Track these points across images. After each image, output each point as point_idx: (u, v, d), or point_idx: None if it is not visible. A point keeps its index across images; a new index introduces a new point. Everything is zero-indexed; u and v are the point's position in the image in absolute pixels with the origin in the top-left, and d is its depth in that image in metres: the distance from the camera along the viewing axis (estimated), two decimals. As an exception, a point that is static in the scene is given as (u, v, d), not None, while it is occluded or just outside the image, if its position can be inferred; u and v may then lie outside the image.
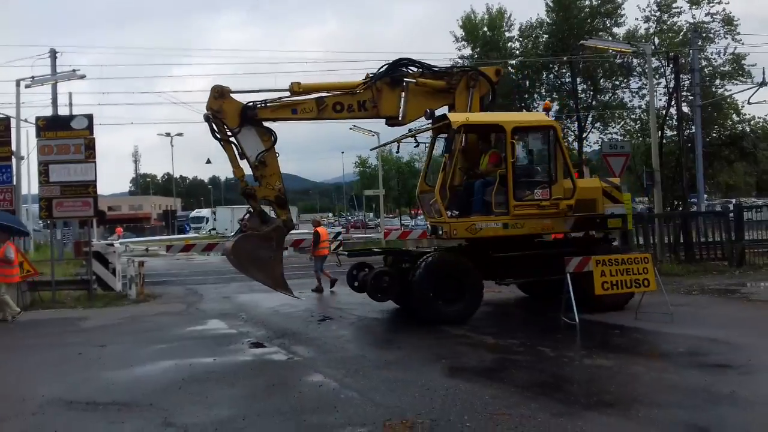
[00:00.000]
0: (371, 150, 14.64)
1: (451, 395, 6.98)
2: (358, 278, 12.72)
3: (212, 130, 11.69)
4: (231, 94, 11.56)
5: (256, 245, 11.50)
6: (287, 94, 11.80)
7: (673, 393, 6.94)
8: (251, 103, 11.60)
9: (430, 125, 12.56)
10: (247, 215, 11.91)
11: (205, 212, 75.19)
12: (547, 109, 12.10)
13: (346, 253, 14.73)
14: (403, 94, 12.20)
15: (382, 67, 12.20)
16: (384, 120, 12.44)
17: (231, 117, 11.49)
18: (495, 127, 12.08)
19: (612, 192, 12.05)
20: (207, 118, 11.60)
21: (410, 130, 12.78)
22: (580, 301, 10.96)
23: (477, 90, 12.45)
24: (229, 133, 11.64)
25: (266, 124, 11.85)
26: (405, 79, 12.20)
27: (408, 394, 7.06)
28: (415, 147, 12.36)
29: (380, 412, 6.50)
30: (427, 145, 13.87)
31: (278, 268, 11.73)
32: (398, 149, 12.47)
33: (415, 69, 12.40)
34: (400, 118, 12.31)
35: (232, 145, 11.70)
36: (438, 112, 12.32)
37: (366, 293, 12.09)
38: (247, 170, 11.91)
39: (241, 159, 11.71)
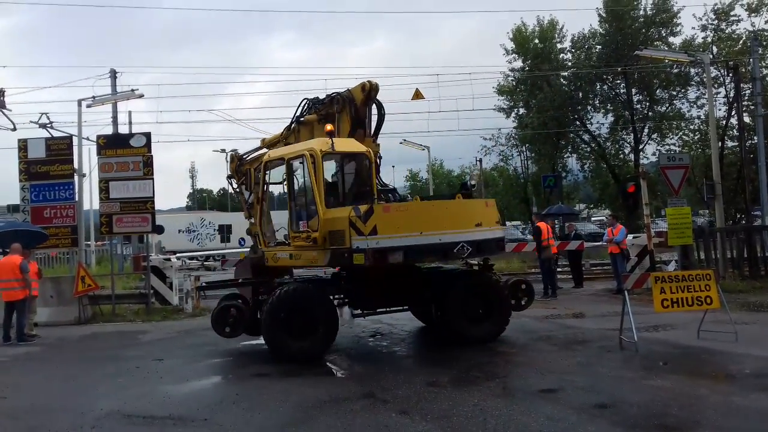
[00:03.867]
0: None
1: (505, 416, 6.84)
2: None
3: (231, 187, 14.99)
4: (241, 159, 14.09)
5: (240, 270, 13.43)
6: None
7: (739, 417, 6.63)
8: (239, 161, 14.08)
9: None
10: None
11: None
12: (329, 133, 10.83)
13: (205, 284, 14.47)
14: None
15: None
16: None
17: (237, 175, 14.17)
18: (260, 163, 12.24)
19: (356, 223, 9.75)
20: (227, 178, 14.62)
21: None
22: (446, 331, 11.11)
23: (343, 113, 11.74)
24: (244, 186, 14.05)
25: None
26: (300, 119, 12.62)
27: (460, 414, 6.95)
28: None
29: (433, 432, 6.42)
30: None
31: None
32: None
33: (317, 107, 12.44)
34: None
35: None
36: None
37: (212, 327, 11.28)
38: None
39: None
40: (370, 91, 11.31)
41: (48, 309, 15.73)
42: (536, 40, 38.69)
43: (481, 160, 47.95)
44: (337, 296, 11.19)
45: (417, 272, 11.47)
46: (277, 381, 9.06)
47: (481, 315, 10.99)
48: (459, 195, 11.24)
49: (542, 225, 17.86)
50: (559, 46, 38.52)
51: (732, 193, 25.64)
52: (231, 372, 9.86)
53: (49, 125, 21.06)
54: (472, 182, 12.01)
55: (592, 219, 53.76)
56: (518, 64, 39.12)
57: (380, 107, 11.75)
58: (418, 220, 10.01)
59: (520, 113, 40.17)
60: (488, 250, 10.88)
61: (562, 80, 37.27)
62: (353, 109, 11.63)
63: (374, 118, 11.90)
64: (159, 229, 20.52)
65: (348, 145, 11.35)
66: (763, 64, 28.22)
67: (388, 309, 11.74)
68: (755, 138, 24.17)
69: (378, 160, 11.63)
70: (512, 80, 39.54)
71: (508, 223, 57.90)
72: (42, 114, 21.05)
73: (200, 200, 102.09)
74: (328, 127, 10.62)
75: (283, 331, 10.25)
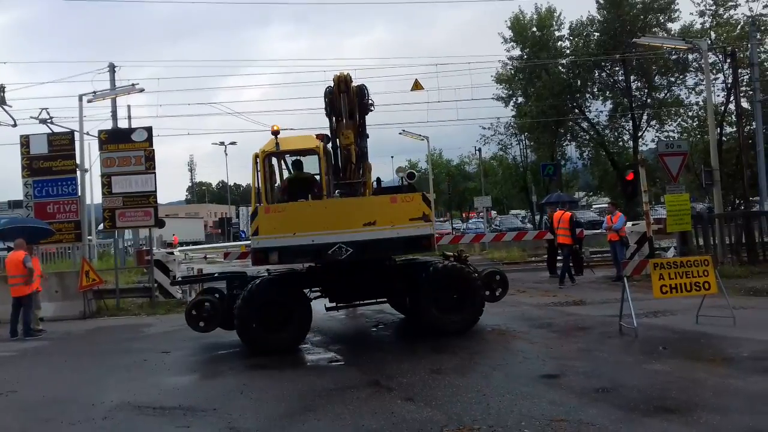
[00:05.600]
0: None
1: (507, 401, 6.99)
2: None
3: None
4: None
5: None
6: None
7: (737, 399, 6.78)
8: None
9: None
10: None
11: None
12: (274, 133, 10.97)
13: (180, 278, 14.33)
14: None
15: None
16: None
17: None
18: None
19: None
20: None
21: None
22: (416, 324, 11.06)
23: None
24: None
25: None
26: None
27: (464, 400, 7.10)
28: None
29: (437, 418, 6.57)
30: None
31: None
32: None
33: None
34: None
35: None
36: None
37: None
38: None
39: None
40: (339, 83, 11.36)
41: (53, 304, 15.88)
42: (534, 28, 38.63)
43: (480, 150, 48.16)
44: (311, 289, 11.21)
45: (391, 264, 11.51)
46: (282, 371, 9.20)
47: (453, 306, 10.93)
48: (370, 193, 11.52)
49: (555, 214, 17.96)
50: (557, 33, 38.45)
51: (731, 180, 25.70)
52: (237, 363, 10.00)
53: (49, 120, 21.15)
54: (401, 175, 11.97)
55: (593, 207, 53.84)
56: (516, 52, 39.12)
57: (360, 96, 11.60)
58: (293, 221, 10.21)
59: (519, 102, 40.15)
60: (383, 250, 10.51)
61: (560, 68, 37.24)
62: (331, 102, 11.74)
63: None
64: (161, 224, 20.64)
65: (297, 143, 11.68)
66: (761, 50, 28.16)
67: (363, 301, 11.81)
68: (753, 124, 24.29)
69: (349, 152, 11.17)
70: (511, 69, 39.52)
71: (513, 211, 58.08)
72: (42, 110, 21.15)
73: (199, 193, 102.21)
74: (273, 127, 10.89)
75: (257, 325, 10.31)
